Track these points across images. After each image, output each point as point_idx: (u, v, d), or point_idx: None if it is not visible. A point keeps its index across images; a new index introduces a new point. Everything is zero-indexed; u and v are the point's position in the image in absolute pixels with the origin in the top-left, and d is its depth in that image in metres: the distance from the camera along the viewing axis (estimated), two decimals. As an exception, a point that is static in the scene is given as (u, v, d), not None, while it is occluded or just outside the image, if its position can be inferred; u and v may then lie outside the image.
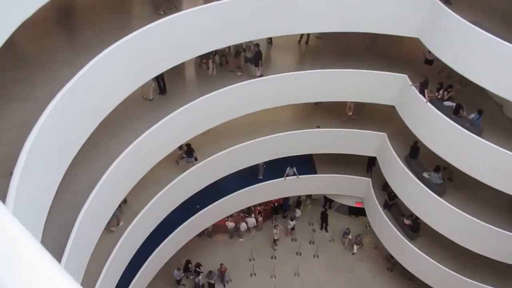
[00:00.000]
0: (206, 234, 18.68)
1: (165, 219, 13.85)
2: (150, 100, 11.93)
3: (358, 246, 18.50)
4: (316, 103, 16.55)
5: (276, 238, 18.72)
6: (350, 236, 18.59)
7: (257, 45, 13.11)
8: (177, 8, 10.26)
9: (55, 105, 6.73)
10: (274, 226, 18.58)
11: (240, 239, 19.14)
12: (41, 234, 6.59)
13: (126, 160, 10.19)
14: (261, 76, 13.29)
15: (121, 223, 12.13)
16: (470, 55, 10.72)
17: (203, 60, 13.51)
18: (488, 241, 12.84)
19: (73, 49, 9.01)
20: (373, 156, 16.60)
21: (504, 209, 13.04)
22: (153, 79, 11.24)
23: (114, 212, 11.45)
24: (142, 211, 12.38)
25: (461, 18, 10.31)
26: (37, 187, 6.57)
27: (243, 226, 18.58)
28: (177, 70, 12.18)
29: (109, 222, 11.19)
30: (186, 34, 10.27)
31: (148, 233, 13.28)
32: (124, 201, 12.53)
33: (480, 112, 11.81)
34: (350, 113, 15.85)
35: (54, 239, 8.10)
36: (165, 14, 9.91)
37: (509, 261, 13.09)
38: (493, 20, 11.09)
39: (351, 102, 15.66)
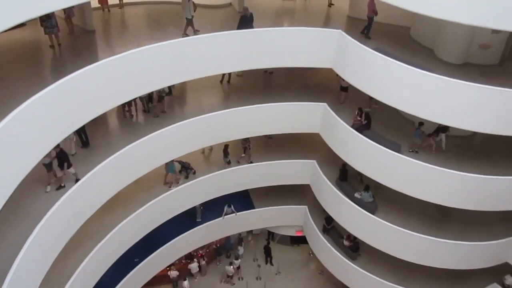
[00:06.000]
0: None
1: (102, 277, 13.04)
2: (72, 155, 11.40)
3: None
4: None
5: (230, 274, 18.37)
6: None
7: (57, 146, 10.14)
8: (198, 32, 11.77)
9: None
10: (230, 264, 18.33)
11: None
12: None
13: (53, 220, 9.57)
14: (77, 180, 10.61)
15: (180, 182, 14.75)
16: (375, 78, 11.59)
17: (125, 108, 13.31)
18: (422, 249, 13.43)
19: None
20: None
21: (432, 216, 13.89)
22: (74, 132, 10.83)
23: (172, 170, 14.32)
24: (77, 272, 11.57)
25: (364, 46, 11.25)
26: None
27: (185, 284, 16.99)
28: (99, 121, 11.80)
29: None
30: (107, 82, 10.14)
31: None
32: (193, 172, 15.15)
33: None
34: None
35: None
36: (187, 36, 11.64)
37: (444, 266, 13.78)
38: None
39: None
